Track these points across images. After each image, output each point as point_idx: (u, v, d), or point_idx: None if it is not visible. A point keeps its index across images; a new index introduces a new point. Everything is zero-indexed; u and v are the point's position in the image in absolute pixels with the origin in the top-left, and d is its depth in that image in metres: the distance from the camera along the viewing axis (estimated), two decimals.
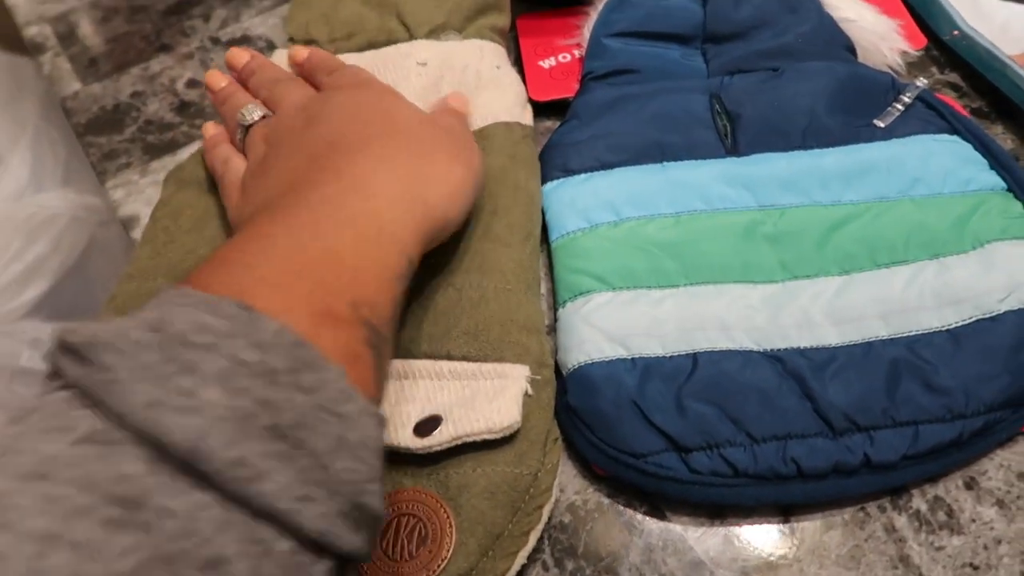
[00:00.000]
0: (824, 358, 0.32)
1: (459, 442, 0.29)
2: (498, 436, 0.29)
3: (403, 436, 0.29)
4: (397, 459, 0.30)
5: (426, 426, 0.29)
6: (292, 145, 0.31)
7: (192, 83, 0.48)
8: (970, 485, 0.30)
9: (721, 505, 0.30)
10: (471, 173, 0.32)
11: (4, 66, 0.65)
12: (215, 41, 0.50)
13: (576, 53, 0.46)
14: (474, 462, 0.29)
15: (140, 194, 0.43)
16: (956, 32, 0.45)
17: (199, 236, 0.37)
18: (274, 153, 0.32)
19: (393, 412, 0.30)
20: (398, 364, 0.32)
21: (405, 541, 0.28)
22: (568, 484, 0.31)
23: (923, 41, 0.45)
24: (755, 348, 0.33)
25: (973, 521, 0.29)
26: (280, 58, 0.44)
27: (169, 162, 0.44)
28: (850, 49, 0.43)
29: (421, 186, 0.29)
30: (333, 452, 0.19)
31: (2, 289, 0.53)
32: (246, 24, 0.51)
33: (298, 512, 0.18)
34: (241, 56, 0.41)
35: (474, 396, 0.30)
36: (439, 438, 0.29)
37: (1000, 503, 0.29)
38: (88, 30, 0.52)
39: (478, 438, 0.29)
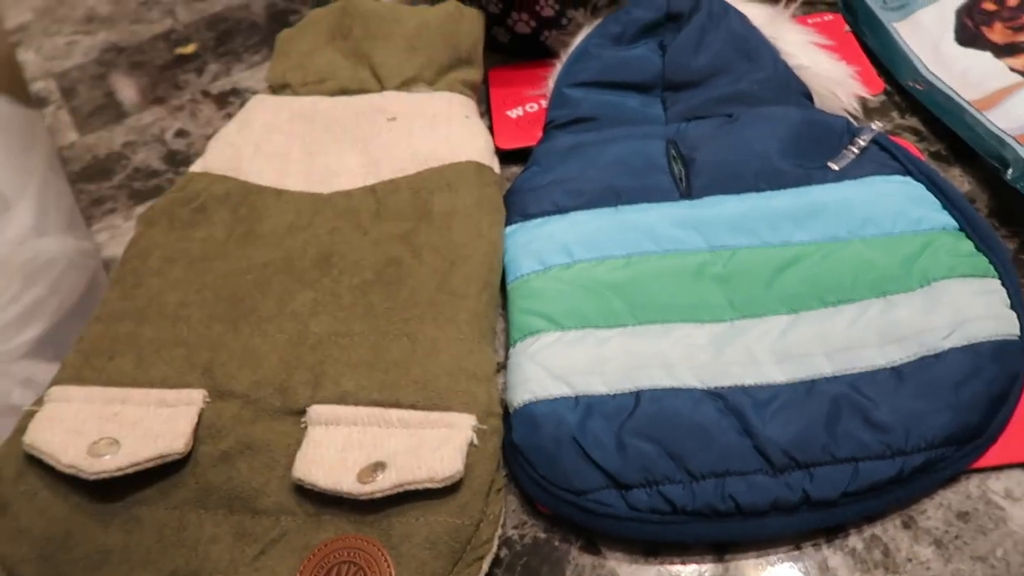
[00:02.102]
0: (766, 396, 0.32)
1: (401, 489, 0.29)
2: (440, 485, 0.29)
3: (346, 482, 0.30)
4: (341, 506, 0.30)
5: (370, 473, 0.30)
6: None
7: (180, 133, 0.50)
8: (908, 524, 0.30)
9: (658, 542, 0.30)
10: None
11: (18, 118, 0.69)
12: (205, 94, 0.53)
13: (542, 103, 0.47)
14: (417, 511, 0.30)
15: (122, 237, 0.45)
16: (919, 84, 0.46)
17: (164, 279, 0.38)
18: None
19: (339, 458, 0.30)
20: (348, 411, 0.32)
21: None
22: (507, 518, 0.32)
23: (881, 86, 0.46)
24: (698, 386, 0.33)
25: (909, 560, 0.29)
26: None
27: None
28: (806, 95, 0.44)
29: None
30: None
31: (0, 330, 0.56)
32: (236, 78, 0.54)
33: None
34: None
35: (420, 445, 0.31)
36: (381, 484, 0.29)
37: (938, 543, 0.29)
38: (89, 84, 0.55)
39: (420, 486, 0.29)
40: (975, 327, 0.33)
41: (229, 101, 0.52)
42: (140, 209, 0.46)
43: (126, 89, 0.54)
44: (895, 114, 0.46)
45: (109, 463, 0.30)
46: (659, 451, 0.31)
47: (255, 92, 0.53)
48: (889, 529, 0.30)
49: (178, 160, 0.49)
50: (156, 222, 0.41)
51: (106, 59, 0.56)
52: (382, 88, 0.45)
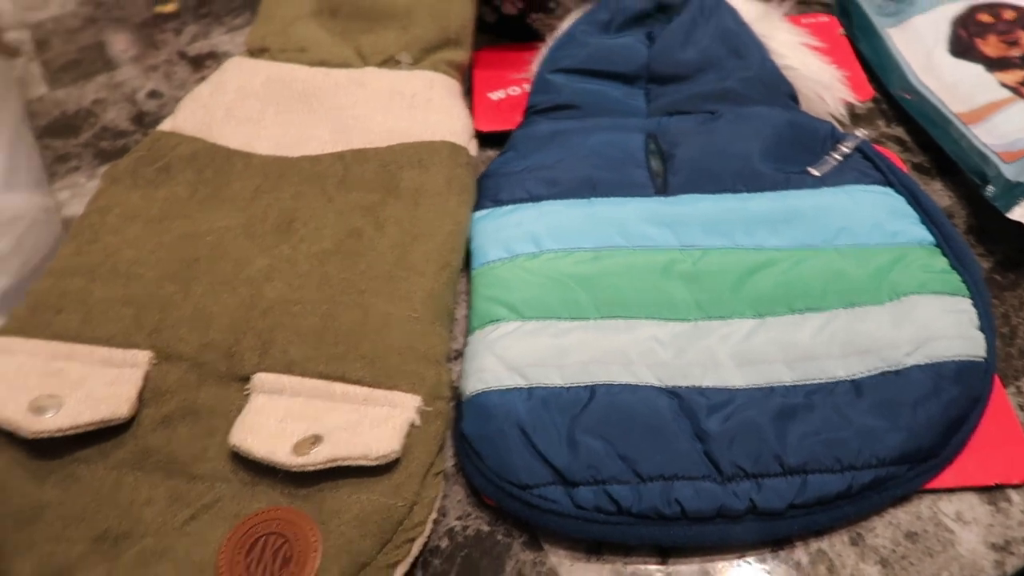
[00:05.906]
0: (722, 399, 0.32)
1: (334, 464, 0.29)
2: (374, 463, 0.29)
3: (281, 452, 0.29)
4: (276, 477, 0.30)
5: (306, 446, 0.29)
6: None
7: (153, 94, 0.49)
8: (856, 541, 0.29)
9: (601, 542, 0.30)
10: None
11: None
12: (182, 55, 0.52)
13: (525, 87, 0.46)
14: (351, 488, 0.29)
15: (84, 196, 0.43)
16: (908, 94, 0.45)
17: (122, 237, 0.37)
18: None
19: (277, 428, 0.30)
20: (293, 381, 0.32)
21: (269, 560, 0.28)
22: (451, 509, 0.31)
23: (870, 93, 0.46)
24: (655, 383, 0.32)
25: None
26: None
27: None
28: (793, 97, 0.43)
29: None
30: None
31: None
32: (215, 40, 0.53)
33: None
34: None
35: (360, 421, 0.30)
36: (315, 458, 0.29)
37: (884, 562, 0.28)
38: (63, 37, 0.53)
39: (354, 463, 0.29)
40: (940, 346, 0.32)
41: (206, 64, 0.51)
42: (103, 168, 0.45)
43: (101, 45, 0.53)
44: (881, 122, 0.45)
45: (49, 423, 0.30)
46: (609, 450, 0.30)
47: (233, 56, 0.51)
48: (836, 544, 0.29)
49: (148, 121, 0.47)
50: (119, 180, 0.40)
51: (83, 13, 0.55)
52: (364, 65, 0.43)
